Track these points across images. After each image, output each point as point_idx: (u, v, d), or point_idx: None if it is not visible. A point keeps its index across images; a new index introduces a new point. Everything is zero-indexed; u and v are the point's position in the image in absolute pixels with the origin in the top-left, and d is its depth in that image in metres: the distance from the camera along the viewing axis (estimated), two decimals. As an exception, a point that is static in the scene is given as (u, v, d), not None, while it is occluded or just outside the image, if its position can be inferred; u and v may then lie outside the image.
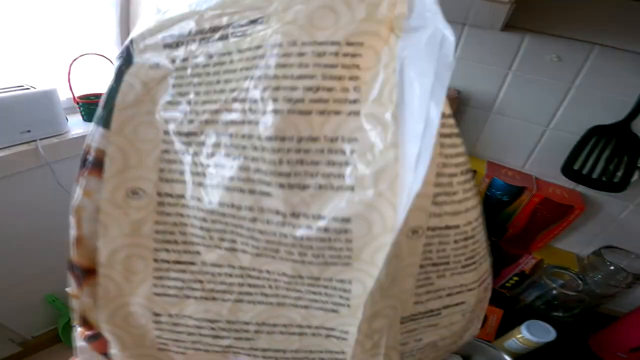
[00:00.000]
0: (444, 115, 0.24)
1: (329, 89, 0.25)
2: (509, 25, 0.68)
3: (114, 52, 1.25)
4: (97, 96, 1.16)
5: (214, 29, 0.28)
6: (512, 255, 0.81)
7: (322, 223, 0.25)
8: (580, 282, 0.73)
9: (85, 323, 0.31)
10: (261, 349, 0.31)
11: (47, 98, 0.98)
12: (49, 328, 1.33)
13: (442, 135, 0.25)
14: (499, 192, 0.76)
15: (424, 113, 0.21)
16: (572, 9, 0.64)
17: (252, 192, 0.26)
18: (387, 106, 0.24)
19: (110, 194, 0.28)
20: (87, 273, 0.29)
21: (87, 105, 1.12)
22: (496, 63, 0.75)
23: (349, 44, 0.25)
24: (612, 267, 0.74)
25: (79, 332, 0.32)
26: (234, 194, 0.27)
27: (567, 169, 0.73)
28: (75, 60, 1.06)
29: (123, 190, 0.28)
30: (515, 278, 0.81)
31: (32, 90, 0.95)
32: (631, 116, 0.67)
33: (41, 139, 1.00)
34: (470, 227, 0.27)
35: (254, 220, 0.27)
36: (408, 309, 0.28)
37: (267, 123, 0.25)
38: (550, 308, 0.75)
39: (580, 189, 0.76)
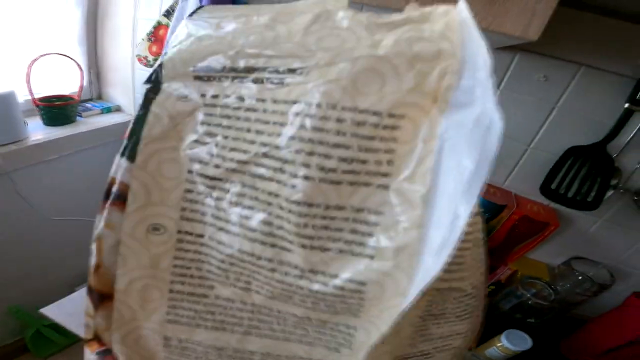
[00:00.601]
0: None
1: (363, 161, 0.25)
2: (500, 46, 0.68)
3: (77, 51, 1.15)
4: (59, 98, 1.07)
5: (249, 70, 0.27)
6: (489, 267, 0.85)
7: (337, 282, 0.26)
8: (551, 291, 0.78)
9: (98, 339, 0.33)
10: None
11: (4, 101, 0.88)
12: (15, 339, 1.27)
13: None
14: (481, 210, 0.78)
15: (453, 208, 0.20)
16: (565, 28, 0.64)
17: (273, 245, 0.27)
18: (419, 187, 0.24)
19: (132, 228, 0.29)
20: (103, 298, 0.31)
21: (49, 109, 1.03)
22: (483, 82, 0.75)
23: (391, 115, 0.24)
24: (580, 277, 0.79)
25: (90, 345, 0.34)
26: (254, 245, 0.28)
27: (545, 189, 0.76)
28: (35, 60, 0.96)
29: (144, 225, 0.29)
30: (492, 287, 0.85)
31: (-14, 93, 0.86)
32: (608, 138, 0.70)
33: (-2, 147, 0.92)
34: (474, 289, 0.30)
35: (272, 270, 0.28)
36: (401, 350, 0.31)
37: (296, 187, 0.25)
38: (525, 315, 0.79)
39: (555, 205, 0.80)
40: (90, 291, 0.31)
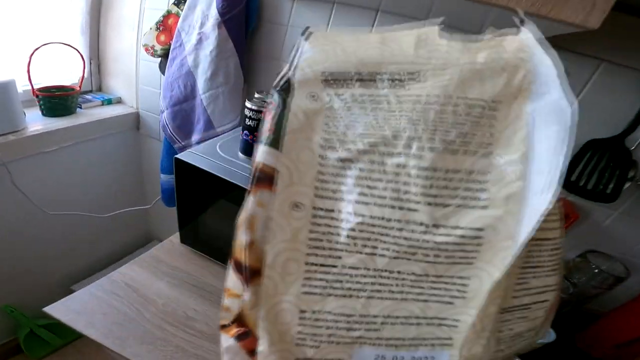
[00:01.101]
0: None
1: (474, 135, 0.33)
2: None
3: (79, 41, 1.11)
4: (59, 89, 1.03)
5: (373, 75, 0.35)
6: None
7: (459, 232, 0.33)
8: (569, 284, 0.78)
9: (239, 321, 0.37)
10: (385, 338, 0.35)
11: (2, 90, 0.85)
12: (9, 339, 1.22)
13: None
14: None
15: (549, 161, 0.30)
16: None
17: (401, 208, 0.33)
18: (517, 150, 0.33)
19: (279, 206, 0.34)
20: (254, 273, 0.35)
21: (48, 99, 0.99)
22: (504, 74, 0.75)
23: (492, 102, 0.33)
24: (595, 270, 0.80)
25: (228, 331, 0.37)
26: (385, 209, 0.34)
27: (565, 181, 0.76)
28: (37, 49, 0.93)
29: (288, 202, 0.34)
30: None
31: (-16, 81, 0.82)
32: (626, 132, 0.71)
33: (-5, 137, 0.88)
34: (559, 240, 0.35)
35: (400, 229, 0.33)
36: (507, 302, 0.35)
37: (423, 157, 0.33)
38: (541, 309, 0.79)
39: (571, 197, 0.80)
40: (243, 268, 0.35)
